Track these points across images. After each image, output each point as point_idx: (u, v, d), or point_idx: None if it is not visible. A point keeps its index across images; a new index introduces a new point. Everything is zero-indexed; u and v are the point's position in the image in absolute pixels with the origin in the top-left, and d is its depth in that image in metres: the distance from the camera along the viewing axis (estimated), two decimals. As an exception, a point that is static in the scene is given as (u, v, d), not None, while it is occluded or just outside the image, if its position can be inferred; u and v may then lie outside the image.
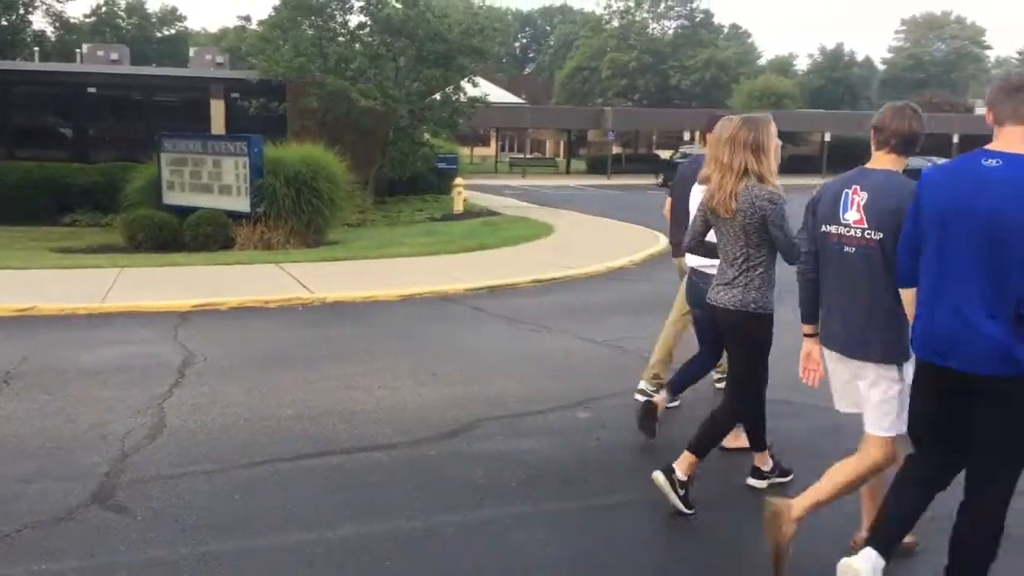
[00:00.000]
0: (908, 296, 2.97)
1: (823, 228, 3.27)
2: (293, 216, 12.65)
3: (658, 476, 3.85)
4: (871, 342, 3.18)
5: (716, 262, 4.00)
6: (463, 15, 22.33)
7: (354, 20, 19.40)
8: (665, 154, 39.72)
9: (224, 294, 8.55)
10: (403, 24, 18.03)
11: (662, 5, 64.68)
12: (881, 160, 3.22)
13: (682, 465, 3.87)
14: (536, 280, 9.98)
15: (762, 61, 70.61)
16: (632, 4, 64.61)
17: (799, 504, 3.24)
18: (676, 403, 5.25)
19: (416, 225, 16.34)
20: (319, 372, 6.00)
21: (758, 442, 4.24)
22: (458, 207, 18.28)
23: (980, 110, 53.85)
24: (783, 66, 68.31)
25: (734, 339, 3.94)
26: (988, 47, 75.46)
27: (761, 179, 3.70)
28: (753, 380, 3.96)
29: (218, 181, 13.33)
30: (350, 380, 5.83)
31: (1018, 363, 2.61)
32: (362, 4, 18.93)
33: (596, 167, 42.44)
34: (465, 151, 45.14)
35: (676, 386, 4.92)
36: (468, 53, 19.14)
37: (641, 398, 5.19)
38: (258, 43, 20.27)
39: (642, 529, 3.70)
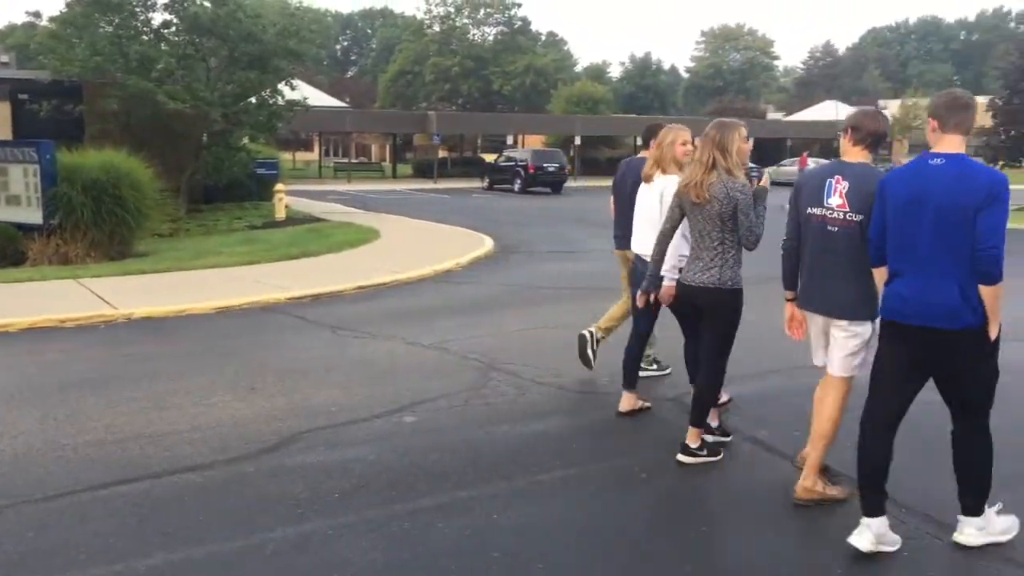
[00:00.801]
0: (880, 273, 3.68)
1: (808, 211, 3.94)
2: (93, 227, 11.72)
3: (682, 459, 4.47)
4: (847, 303, 3.89)
5: (643, 247, 4.86)
6: (278, 16, 21.63)
7: (158, 18, 18.27)
8: (490, 157, 40.33)
9: (13, 314, 7.78)
10: (213, 24, 17.19)
11: (481, 12, 65.72)
12: (856, 155, 3.90)
13: (692, 438, 4.50)
14: (361, 286, 9.85)
15: (578, 68, 73.49)
16: (452, 10, 65.21)
17: (809, 470, 3.99)
18: (668, 370, 5.99)
19: (235, 234, 15.63)
20: (125, 394, 5.60)
21: (702, 417, 4.59)
22: (280, 214, 17.69)
23: (772, 115, 58.96)
24: (598, 73, 71.43)
25: (712, 313, 4.46)
26: (777, 57, 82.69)
27: (729, 172, 4.29)
28: (727, 348, 4.53)
29: (5, 191, 12.17)
30: (161, 400, 5.49)
31: (963, 319, 3.34)
32: (166, 2, 17.85)
33: (422, 171, 42.43)
34: (287, 156, 43.70)
35: (631, 377, 5.31)
36: (284, 55, 18.55)
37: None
38: (49, 41, 18.58)
39: (469, 529, 3.74)
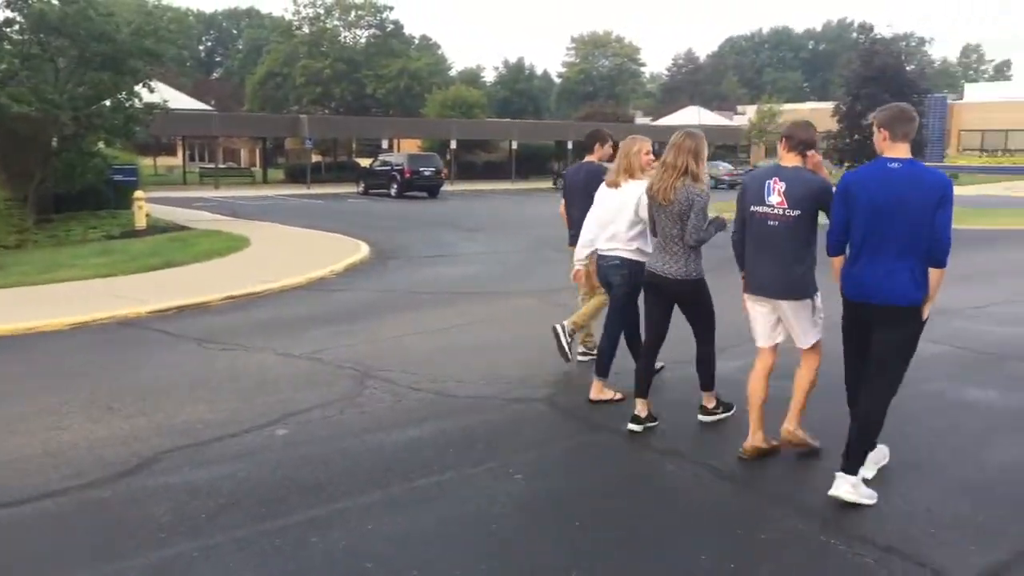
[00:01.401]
0: (837, 263, 4.24)
1: (751, 208, 4.50)
2: (-74, 240, 10.78)
3: (703, 418, 5.21)
4: (791, 285, 4.48)
5: (618, 246, 5.39)
6: (134, 14, 20.56)
7: (-1, 15, 16.96)
8: (365, 162, 39.77)
9: None
10: (61, 22, 16.10)
11: (352, 14, 64.66)
12: (791, 160, 4.48)
13: (707, 400, 5.24)
14: (230, 296, 9.50)
15: (452, 72, 73.54)
16: (322, 12, 63.83)
17: (791, 419, 4.64)
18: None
19: (90, 244, 14.73)
20: (-35, 420, 5.19)
21: (711, 380, 5.22)
22: (140, 222, 16.78)
23: (640, 120, 60.98)
24: (472, 77, 71.74)
25: (686, 301, 5.04)
26: (643, 64, 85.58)
27: (696, 178, 4.81)
28: (712, 323, 5.12)
29: None
30: (8, 425, 5.11)
31: (911, 298, 3.97)
32: (7, -2, 16.60)
33: (295, 176, 41.27)
34: (147, 161, 41.59)
35: (606, 367, 5.66)
36: (141, 55, 17.60)
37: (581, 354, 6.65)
38: None
39: (343, 541, 3.68)
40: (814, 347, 4.60)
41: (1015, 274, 12.04)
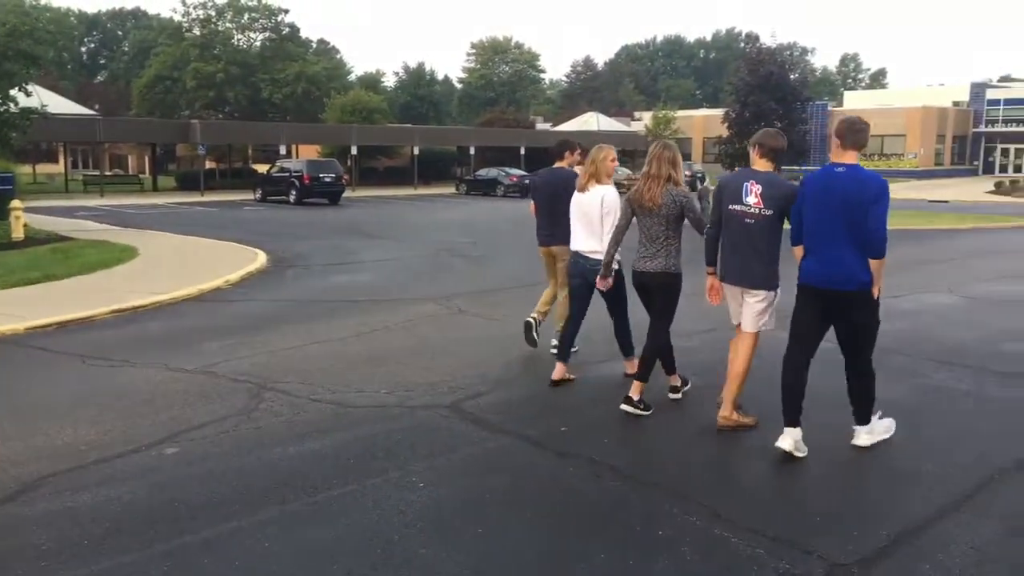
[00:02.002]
0: (798, 251, 4.86)
1: (730, 207, 5.07)
2: None
3: (625, 408, 5.48)
4: (759, 276, 5.09)
5: (596, 247, 5.90)
6: (9, 14, 19.40)
7: None
8: (262, 168, 38.67)
9: None
10: (-75, 21, 15.07)
11: (246, 16, 62.91)
12: (763, 165, 5.08)
13: (635, 391, 5.52)
14: (117, 310, 9.06)
15: (352, 77, 72.53)
16: (213, 13, 61.83)
17: (727, 403, 5.23)
18: (576, 348, 6.56)
19: (-39, 258, 13.77)
20: None
21: (647, 374, 5.59)
22: (17, 233, 15.81)
23: (540, 125, 61.69)
24: (372, 82, 70.93)
25: (662, 292, 5.58)
26: (543, 70, 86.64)
27: (676, 183, 5.45)
28: (671, 317, 5.64)
29: None
30: None
31: (862, 282, 4.59)
32: None
33: (187, 183, 39.74)
34: (26, 169, 39.26)
35: (564, 352, 6.27)
36: (17, 58, 16.65)
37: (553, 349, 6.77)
38: None
39: (238, 561, 3.56)
40: (754, 334, 5.20)
41: (901, 271, 12.76)
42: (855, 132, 4.69)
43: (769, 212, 4.97)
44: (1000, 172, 51.59)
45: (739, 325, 5.29)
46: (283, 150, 39.97)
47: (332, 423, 5.39)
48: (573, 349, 6.46)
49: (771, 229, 5.00)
